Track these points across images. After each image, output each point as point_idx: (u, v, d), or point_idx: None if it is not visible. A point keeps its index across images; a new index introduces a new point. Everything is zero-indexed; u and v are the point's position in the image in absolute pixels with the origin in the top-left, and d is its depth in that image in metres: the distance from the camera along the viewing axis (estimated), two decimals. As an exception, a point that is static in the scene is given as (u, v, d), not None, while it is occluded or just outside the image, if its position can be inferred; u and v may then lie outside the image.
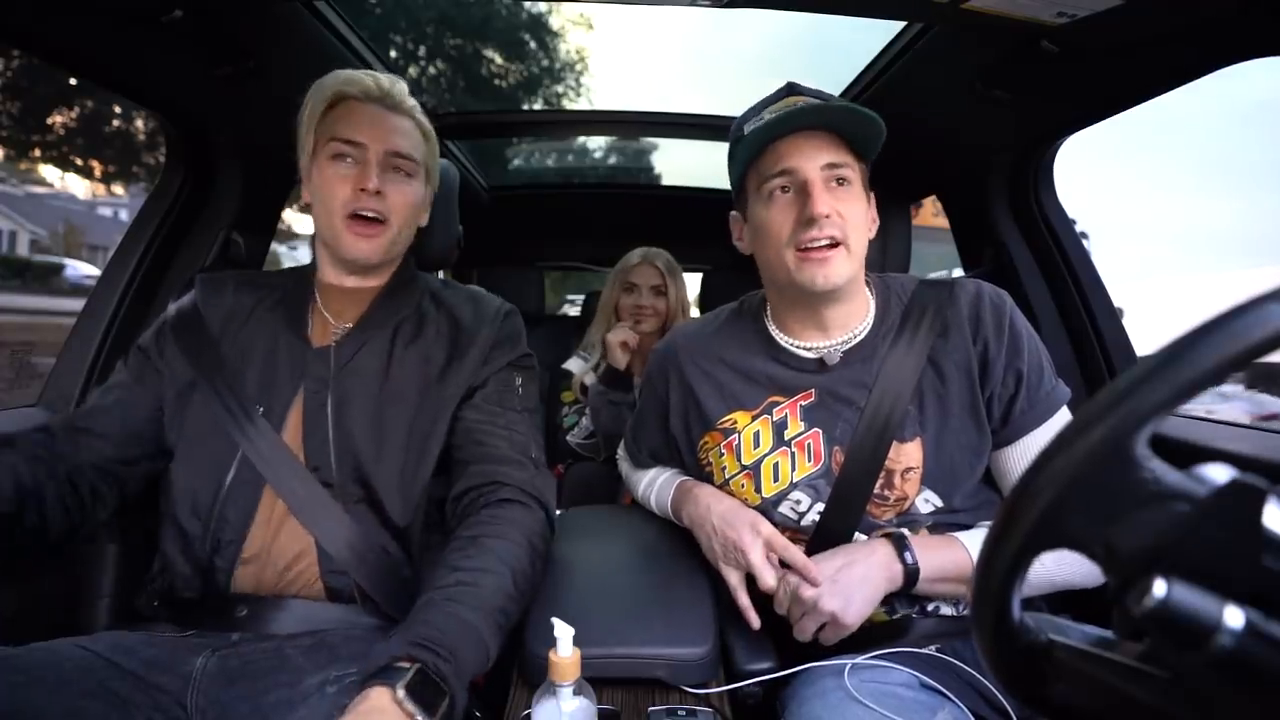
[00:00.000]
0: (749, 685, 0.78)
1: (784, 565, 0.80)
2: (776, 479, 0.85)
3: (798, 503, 0.85)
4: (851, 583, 0.75)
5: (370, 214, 0.86)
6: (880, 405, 0.82)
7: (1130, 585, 0.28)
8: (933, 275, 1.01)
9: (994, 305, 0.84)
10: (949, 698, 0.72)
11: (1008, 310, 0.84)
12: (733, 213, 0.93)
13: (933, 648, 0.79)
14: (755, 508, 0.86)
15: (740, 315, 0.97)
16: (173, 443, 0.84)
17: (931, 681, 0.73)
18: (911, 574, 0.76)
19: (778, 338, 0.90)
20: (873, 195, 0.88)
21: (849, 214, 0.80)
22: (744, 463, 0.87)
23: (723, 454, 0.89)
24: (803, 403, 0.86)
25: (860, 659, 0.75)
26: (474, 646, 0.65)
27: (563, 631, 0.58)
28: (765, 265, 0.87)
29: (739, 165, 0.86)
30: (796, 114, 0.79)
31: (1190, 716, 0.28)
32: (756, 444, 0.87)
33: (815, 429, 0.85)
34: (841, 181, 0.81)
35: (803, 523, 0.85)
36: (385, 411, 0.84)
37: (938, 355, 0.83)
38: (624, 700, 0.73)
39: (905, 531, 0.80)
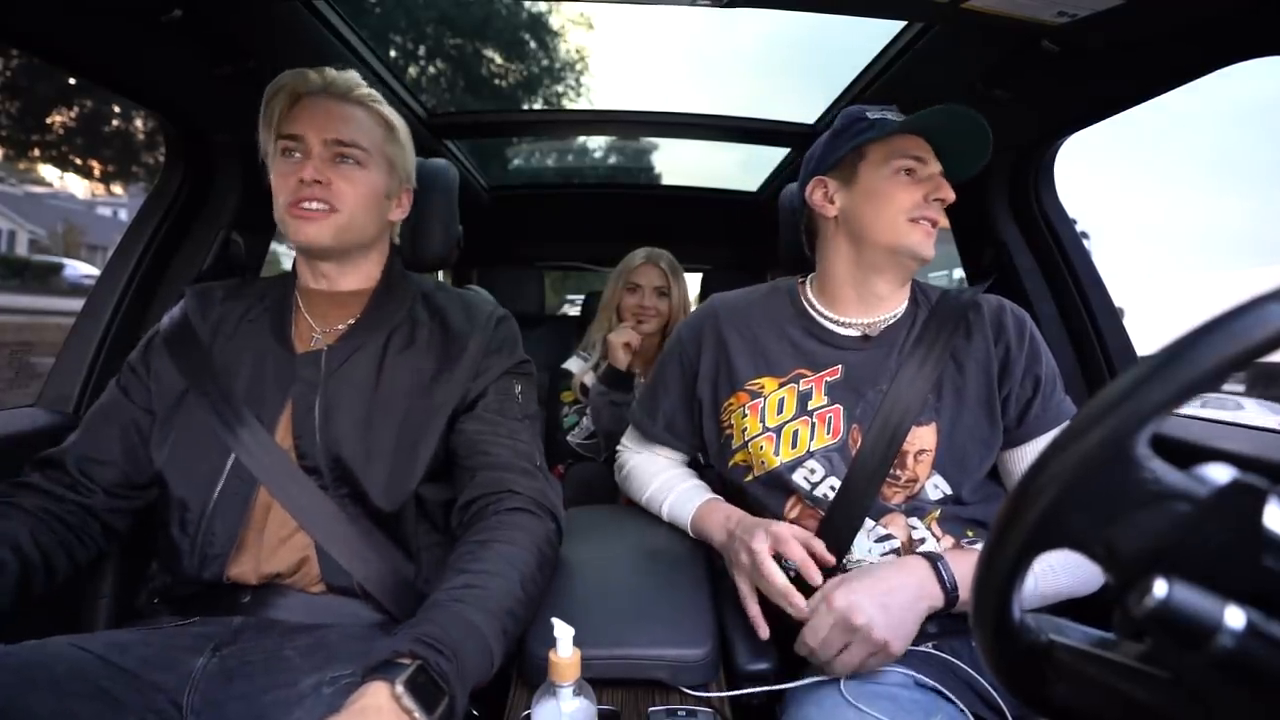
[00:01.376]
0: (750, 693, 0.78)
1: (803, 589, 0.77)
2: (795, 445, 0.88)
3: (812, 471, 0.87)
4: (901, 608, 0.72)
5: (311, 205, 0.84)
6: (902, 392, 0.86)
7: (1131, 585, 0.28)
8: (933, 276, 1.03)
9: (1016, 317, 0.92)
10: (946, 698, 0.72)
11: (1028, 324, 0.92)
12: (818, 176, 0.96)
13: (930, 645, 0.79)
14: (772, 470, 0.88)
15: (776, 292, 1.01)
16: (160, 460, 0.83)
17: (928, 681, 0.73)
18: (951, 597, 0.75)
19: (814, 314, 0.96)
20: None
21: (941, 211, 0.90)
22: (767, 425, 0.90)
23: (746, 414, 0.91)
24: (829, 378, 0.90)
25: None
26: (478, 648, 0.64)
27: (563, 632, 0.58)
28: (863, 226, 0.91)
29: (852, 140, 0.92)
30: (959, 114, 0.86)
31: (1191, 717, 0.28)
32: (780, 409, 0.90)
33: (837, 404, 0.88)
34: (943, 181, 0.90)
35: (815, 493, 0.86)
36: (374, 418, 0.83)
37: (959, 352, 0.89)
38: (624, 701, 0.72)
39: (939, 550, 0.81)
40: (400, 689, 0.56)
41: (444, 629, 0.62)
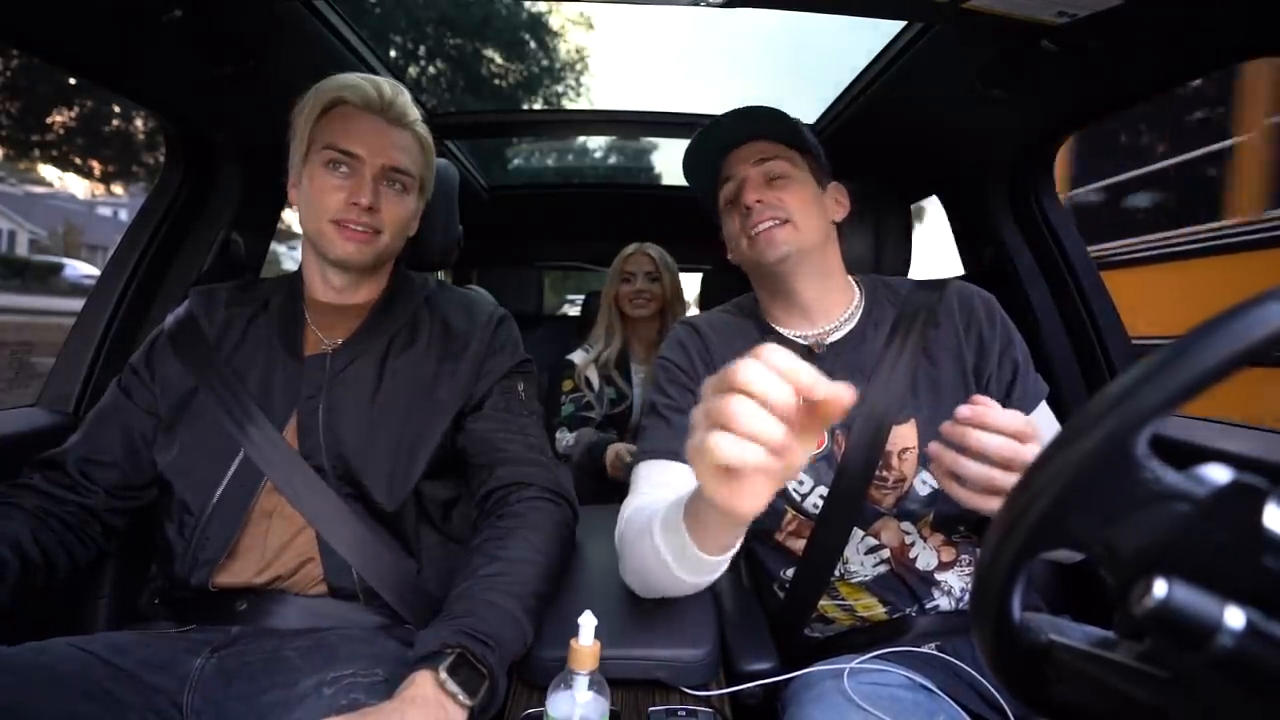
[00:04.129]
0: (750, 688, 0.78)
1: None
2: None
3: (800, 483, 0.86)
4: None
5: (359, 226, 0.85)
6: (879, 391, 0.85)
7: (1131, 585, 0.28)
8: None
9: (985, 301, 0.91)
10: (947, 699, 0.72)
11: (997, 308, 0.91)
12: (724, 234, 0.99)
13: (932, 646, 0.79)
14: None
15: (739, 311, 1.00)
16: (164, 461, 0.83)
17: (930, 683, 0.73)
18: None
19: (775, 326, 0.95)
20: (834, 186, 0.95)
21: (788, 198, 0.87)
22: None
23: None
24: None
25: (859, 661, 0.75)
26: (514, 632, 0.69)
27: (586, 621, 0.59)
28: (738, 262, 0.95)
29: (706, 192, 0.96)
30: (706, 131, 0.90)
31: (1191, 717, 0.28)
32: None
33: None
34: (776, 176, 0.89)
35: (804, 504, 0.86)
36: (376, 417, 0.84)
37: (929, 343, 0.88)
38: (624, 700, 0.72)
39: (935, 558, 0.82)
40: (444, 675, 0.60)
41: (483, 618, 0.67)
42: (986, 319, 0.88)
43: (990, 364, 0.86)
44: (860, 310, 0.93)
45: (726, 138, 0.91)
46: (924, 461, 0.84)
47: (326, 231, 0.85)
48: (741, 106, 0.89)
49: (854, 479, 0.83)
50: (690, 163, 0.95)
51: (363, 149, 0.84)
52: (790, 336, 0.92)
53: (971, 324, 0.88)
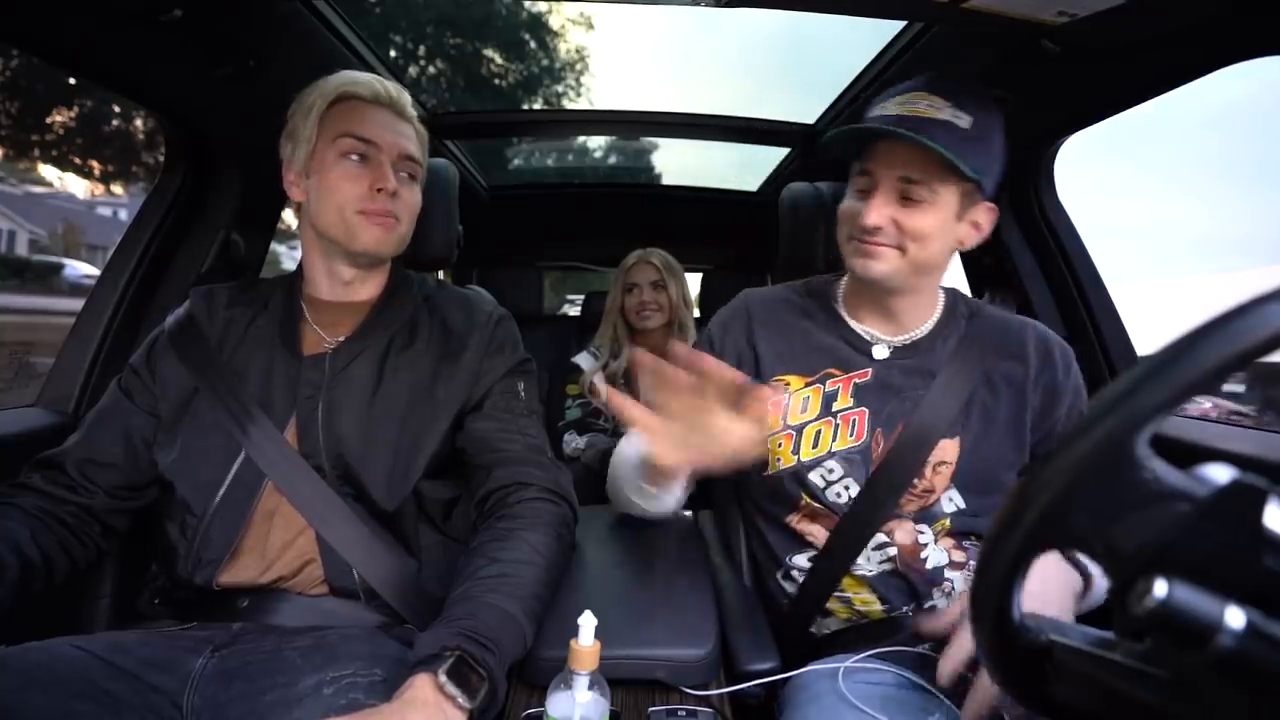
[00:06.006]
0: (748, 688, 0.78)
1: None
2: (816, 445, 0.87)
3: (830, 471, 0.86)
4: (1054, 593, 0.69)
5: (384, 213, 0.86)
6: (935, 403, 0.84)
7: (1131, 585, 0.28)
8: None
9: (1063, 350, 0.89)
10: (942, 699, 0.72)
11: (1073, 360, 0.89)
12: (839, 211, 0.89)
13: (927, 646, 0.79)
14: (788, 468, 0.87)
15: (810, 293, 0.98)
16: (164, 462, 0.83)
17: (926, 682, 0.73)
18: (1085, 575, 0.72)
19: (846, 317, 0.93)
20: (983, 208, 0.85)
21: (912, 227, 0.80)
22: (789, 423, 0.88)
23: (768, 409, 0.88)
24: (857, 380, 0.88)
25: (855, 660, 0.75)
26: (514, 635, 0.69)
27: (586, 621, 0.59)
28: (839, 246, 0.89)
29: (846, 149, 0.86)
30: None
31: (1191, 717, 0.28)
32: (804, 409, 0.89)
33: (862, 407, 0.87)
34: (913, 198, 0.80)
35: (826, 493, 0.86)
36: (376, 417, 0.84)
37: (993, 373, 0.87)
38: (624, 701, 0.72)
39: (946, 560, 0.83)
40: (443, 678, 0.60)
41: (482, 620, 0.66)
42: (1063, 370, 0.87)
43: (1058, 413, 0.86)
44: (935, 323, 0.91)
45: (869, 136, 0.81)
46: (958, 481, 0.85)
47: (352, 221, 0.85)
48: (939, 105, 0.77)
49: (890, 483, 0.83)
50: (839, 134, 0.83)
51: (380, 137, 0.86)
52: (858, 330, 0.91)
53: (1045, 370, 0.86)
